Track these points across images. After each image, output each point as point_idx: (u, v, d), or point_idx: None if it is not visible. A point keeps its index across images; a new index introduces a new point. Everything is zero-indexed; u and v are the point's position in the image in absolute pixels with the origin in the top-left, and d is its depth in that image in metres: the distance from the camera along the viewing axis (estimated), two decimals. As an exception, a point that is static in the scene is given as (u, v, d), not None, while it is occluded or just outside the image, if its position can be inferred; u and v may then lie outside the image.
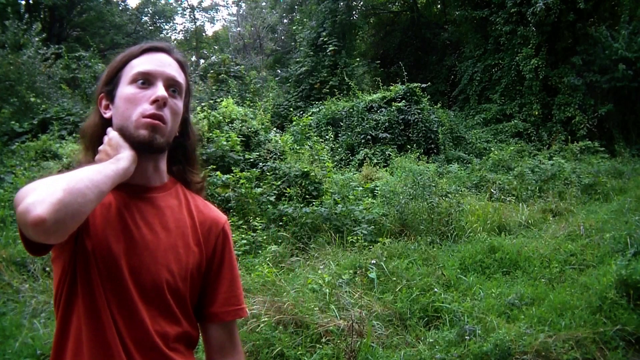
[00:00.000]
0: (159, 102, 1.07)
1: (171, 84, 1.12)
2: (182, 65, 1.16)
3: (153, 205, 1.13)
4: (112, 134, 1.09)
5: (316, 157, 8.09)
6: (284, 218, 5.84)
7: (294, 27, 19.36)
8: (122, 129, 1.08)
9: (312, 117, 12.18)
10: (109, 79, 1.13)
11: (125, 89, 1.10)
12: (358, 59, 17.59)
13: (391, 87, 12.95)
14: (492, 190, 8.48)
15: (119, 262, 1.05)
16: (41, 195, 0.84)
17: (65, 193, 0.86)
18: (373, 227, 5.89)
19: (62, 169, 1.06)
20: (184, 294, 1.13)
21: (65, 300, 1.04)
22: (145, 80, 1.09)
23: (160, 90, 1.08)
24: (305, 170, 6.90)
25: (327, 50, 15.86)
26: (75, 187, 0.88)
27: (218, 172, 6.28)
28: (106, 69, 1.16)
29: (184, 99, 1.17)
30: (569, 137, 13.13)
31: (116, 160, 1.03)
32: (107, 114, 1.13)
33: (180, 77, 1.14)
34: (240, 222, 5.67)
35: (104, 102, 1.14)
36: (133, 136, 1.07)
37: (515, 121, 14.18)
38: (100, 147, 1.09)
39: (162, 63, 1.12)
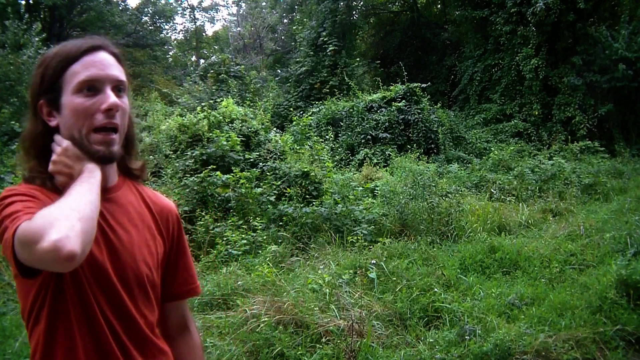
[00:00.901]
0: (112, 112, 1.06)
1: (116, 84, 1.09)
2: (119, 59, 1.13)
3: (117, 204, 1.15)
4: (67, 145, 1.05)
5: (316, 157, 8.09)
6: (284, 218, 5.84)
7: (294, 27, 19.38)
8: (75, 141, 1.06)
9: (312, 117, 12.18)
10: (49, 85, 1.07)
11: (71, 100, 1.05)
12: (358, 59, 17.60)
13: (391, 87, 12.96)
14: (492, 190, 8.48)
15: (105, 267, 1.06)
16: (64, 231, 0.85)
17: (82, 222, 0.88)
18: (373, 227, 5.89)
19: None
20: (158, 283, 1.20)
21: (48, 313, 1.03)
22: (92, 86, 1.06)
23: (110, 96, 1.06)
24: (305, 170, 6.90)
25: (327, 50, 15.86)
26: (85, 214, 0.91)
27: (218, 172, 6.28)
28: (40, 72, 1.09)
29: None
30: (569, 137, 13.14)
31: (90, 173, 1.02)
32: (53, 122, 1.09)
33: (122, 74, 1.11)
34: (241, 222, 5.67)
35: (45, 109, 1.09)
36: (89, 151, 1.06)
37: (515, 121, 14.19)
38: (55, 158, 1.06)
39: (103, 65, 1.08)
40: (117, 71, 1.10)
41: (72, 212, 0.89)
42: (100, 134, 1.06)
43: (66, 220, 0.86)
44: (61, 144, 1.06)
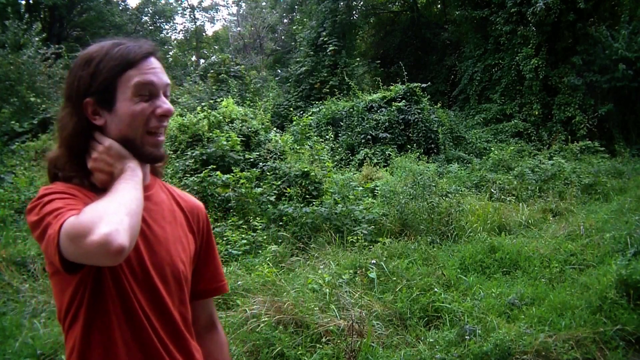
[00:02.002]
0: (165, 117, 1.12)
1: (165, 90, 1.15)
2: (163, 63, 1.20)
3: (152, 201, 1.18)
4: (110, 143, 1.09)
5: (316, 157, 8.09)
6: (284, 218, 5.84)
7: (294, 27, 19.39)
8: (127, 142, 1.10)
9: (312, 117, 12.18)
10: (102, 86, 1.09)
11: (129, 103, 1.09)
12: (358, 59, 17.60)
13: (391, 87, 12.96)
14: (492, 190, 8.48)
15: (144, 262, 1.09)
16: (114, 225, 0.88)
17: (130, 217, 0.92)
18: (373, 227, 5.89)
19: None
20: (189, 280, 1.23)
21: (87, 309, 1.05)
22: (149, 92, 1.11)
23: (165, 103, 1.12)
24: (305, 170, 6.90)
25: (327, 50, 15.87)
26: (132, 210, 0.94)
27: (218, 172, 6.28)
28: (89, 72, 1.10)
29: None
30: (569, 137, 13.13)
31: (132, 171, 1.06)
32: (99, 122, 1.11)
33: (169, 80, 1.17)
34: (241, 222, 5.67)
35: (91, 108, 1.10)
36: (140, 151, 1.11)
37: (515, 121, 14.18)
38: (96, 155, 1.08)
39: (157, 70, 1.13)
40: (167, 77, 1.16)
41: (121, 207, 0.93)
42: (152, 136, 1.12)
43: (115, 215, 0.90)
44: (103, 143, 1.09)
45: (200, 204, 1.33)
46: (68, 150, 1.12)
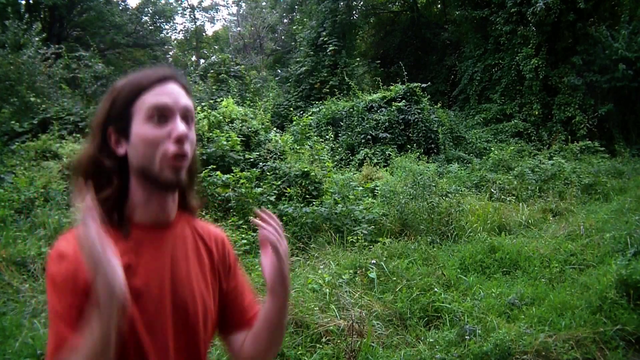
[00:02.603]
0: (182, 141, 1.06)
1: (185, 114, 1.09)
2: (187, 90, 1.14)
3: (177, 237, 1.15)
4: (84, 232, 0.89)
5: (316, 157, 8.09)
6: (284, 218, 5.84)
7: (294, 27, 19.39)
8: (144, 170, 1.06)
9: (312, 117, 12.18)
10: (119, 113, 1.07)
11: (142, 128, 1.05)
12: (358, 59, 17.60)
13: (391, 87, 12.96)
14: (492, 190, 8.48)
15: (164, 300, 1.07)
16: None
17: None
18: (373, 227, 5.89)
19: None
20: (214, 319, 1.19)
21: None
22: (162, 115, 1.06)
23: (180, 126, 1.06)
24: (305, 170, 6.90)
25: (327, 50, 15.87)
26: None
27: (218, 172, 6.28)
28: (110, 99, 1.09)
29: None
30: (569, 137, 13.14)
31: (104, 298, 0.91)
32: (121, 151, 1.08)
33: (190, 104, 1.12)
34: (241, 222, 5.67)
35: (113, 137, 1.08)
36: (158, 177, 1.06)
37: (515, 121, 14.19)
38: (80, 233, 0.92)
39: (173, 94, 1.08)
40: (186, 100, 1.10)
41: None
42: (172, 160, 1.05)
43: None
44: (82, 225, 0.90)
45: (222, 234, 1.29)
46: (87, 179, 1.07)
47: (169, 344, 1.08)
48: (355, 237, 5.34)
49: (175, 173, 1.06)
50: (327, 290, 3.90)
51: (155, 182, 1.06)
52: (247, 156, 7.32)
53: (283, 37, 26.19)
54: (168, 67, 1.15)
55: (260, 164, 7.21)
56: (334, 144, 11.38)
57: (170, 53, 32.11)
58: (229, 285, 1.24)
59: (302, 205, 6.08)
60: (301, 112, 13.57)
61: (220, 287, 1.21)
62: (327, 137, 11.12)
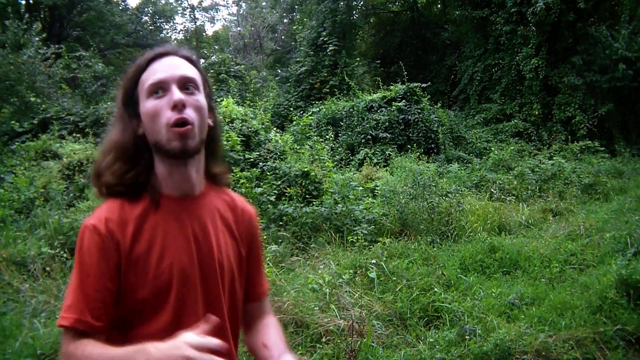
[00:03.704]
0: (178, 107, 1.08)
1: (184, 82, 1.12)
2: (192, 61, 1.18)
3: (205, 206, 1.20)
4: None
5: (316, 156, 8.09)
6: (284, 218, 5.84)
7: (294, 27, 19.39)
8: (157, 144, 1.11)
9: (312, 117, 12.17)
10: (129, 97, 1.14)
11: (146, 106, 1.11)
12: (358, 59, 17.58)
13: (391, 87, 12.95)
14: (492, 190, 8.48)
15: (193, 275, 1.13)
16: None
17: None
18: (373, 226, 5.89)
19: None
20: (240, 279, 1.25)
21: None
22: (160, 89, 1.10)
23: (175, 94, 1.09)
24: (306, 170, 6.89)
25: (327, 50, 15.86)
26: None
27: (218, 172, 6.27)
28: (122, 86, 1.17)
29: (205, 91, 1.18)
30: (569, 136, 13.14)
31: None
32: (140, 131, 1.14)
33: (191, 72, 1.14)
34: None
35: (132, 120, 1.15)
36: (167, 149, 1.09)
37: (516, 121, 14.18)
38: None
39: (169, 66, 1.12)
40: (184, 70, 1.13)
41: None
42: (176, 128, 1.08)
43: None
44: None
45: (253, 211, 1.36)
46: (115, 158, 1.13)
47: (198, 307, 1.13)
48: (355, 237, 5.34)
49: (181, 140, 1.08)
50: (327, 290, 3.90)
51: (166, 153, 1.10)
52: (247, 156, 7.31)
53: (283, 37, 26.17)
54: (169, 44, 1.20)
55: (260, 164, 7.20)
56: (334, 144, 11.38)
57: (170, 53, 32.03)
58: (248, 256, 1.29)
59: (302, 205, 6.07)
60: (301, 112, 13.56)
61: (245, 256, 1.28)
62: (327, 137, 11.11)
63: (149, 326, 1.08)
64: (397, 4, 23.04)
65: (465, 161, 11.33)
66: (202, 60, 26.10)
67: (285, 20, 26.23)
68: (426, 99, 12.63)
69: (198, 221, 1.16)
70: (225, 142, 7.12)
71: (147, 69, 1.13)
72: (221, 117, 8.19)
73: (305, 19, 18.37)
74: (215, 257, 1.16)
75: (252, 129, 8.27)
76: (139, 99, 1.13)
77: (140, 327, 1.08)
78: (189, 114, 1.09)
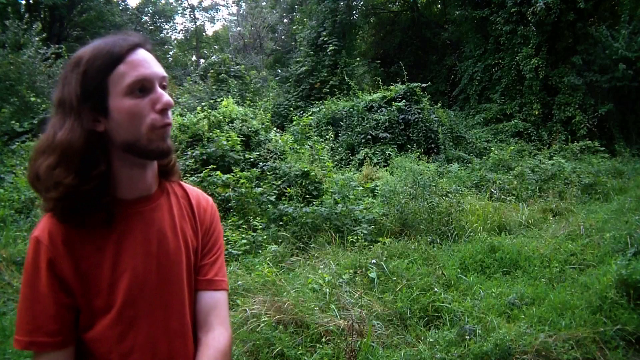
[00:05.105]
0: (167, 110, 1.06)
1: (162, 83, 1.08)
2: (156, 56, 1.12)
3: (162, 205, 1.16)
4: None
5: (316, 156, 8.09)
6: (284, 218, 5.84)
7: (294, 27, 19.39)
8: (130, 144, 1.03)
9: (312, 117, 12.18)
10: (93, 89, 1.01)
11: (124, 102, 1.01)
12: (358, 59, 17.60)
13: (391, 87, 12.96)
14: (492, 190, 8.48)
15: (150, 280, 1.10)
16: None
17: None
18: (373, 226, 5.89)
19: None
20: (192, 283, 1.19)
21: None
22: (143, 87, 1.03)
23: (165, 96, 1.05)
24: (306, 170, 6.90)
25: (327, 50, 15.87)
26: None
27: (218, 172, 6.28)
28: (78, 76, 1.02)
29: None
30: (569, 136, 13.14)
31: None
32: (100, 128, 1.03)
33: (164, 71, 1.09)
34: (241, 221, 5.67)
35: (89, 115, 1.02)
36: (148, 149, 1.04)
37: (516, 121, 14.19)
38: None
39: (149, 63, 1.05)
40: (161, 68, 1.08)
41: None
42: (158, 130, 1.05)
43: None
44: None
45: (209, 199, 1.32)
46: (65, 165, 1.00)
47: (155, 311, 1.10)
48: (355, 237, 5.34)
49: (164, 141, 1.07)
50: (327, 290, 3.90)
51: (144, 154, 1.06)
52: (247, 156, 7.32)
53: (283, 37, 26.19)
54: (134, 33, 1.10)
55: (260, 163, 7.21)
56: (334, 144, 11.39)
57: (171, 53, 32.11)
58: (205, 246, 1.23)
59: (302, 205, 6.07)
60: (301, 112, 13.57)
61: (199, 246, 1.22)
62: (327, 137, 11.12)
63: (101, 328, 1.06)
64: (397, 4, 23.04)
65: (465, 161, 11.33)
66: (202, 60, 26.12)
67: (285, 20, 26.25)
68: (426, 99, 12.64)
69: (154, 222, 1.12)
70: (225, 142, 7.12)
71: (125, 61, 1.02)
72: (221, 117, 8.19)
73: (305, 19, 18.39)
74: (172, 258, 1.13)
75: (252, 128, 8.28)
76: (107, 92, 1.01)
77: (92, 330, 1.06)
78: (170, 116, 1.08)
